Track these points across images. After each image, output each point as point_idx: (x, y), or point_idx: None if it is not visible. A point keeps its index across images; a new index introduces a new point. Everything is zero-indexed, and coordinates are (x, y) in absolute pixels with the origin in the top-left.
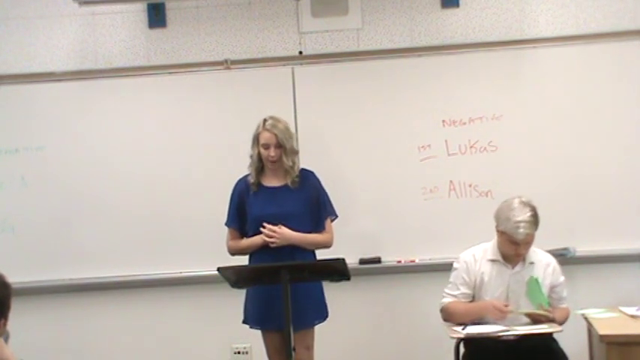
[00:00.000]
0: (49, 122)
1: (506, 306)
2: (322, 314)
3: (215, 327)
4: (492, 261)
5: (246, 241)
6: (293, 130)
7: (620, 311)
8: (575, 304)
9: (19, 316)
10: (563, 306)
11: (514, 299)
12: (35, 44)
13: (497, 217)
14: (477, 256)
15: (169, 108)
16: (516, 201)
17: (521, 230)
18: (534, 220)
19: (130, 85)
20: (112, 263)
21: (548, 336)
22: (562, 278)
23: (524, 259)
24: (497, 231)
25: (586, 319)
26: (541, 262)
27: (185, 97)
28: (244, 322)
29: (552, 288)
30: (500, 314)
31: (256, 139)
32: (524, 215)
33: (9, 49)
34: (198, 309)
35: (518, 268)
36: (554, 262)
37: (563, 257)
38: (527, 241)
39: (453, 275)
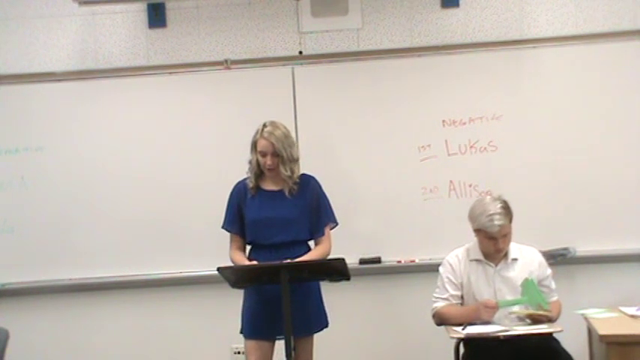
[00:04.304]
0: (48, 122)
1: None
2: (321, 323)
3: (215, 327)
4: (476, 261)
5: (245, 264)
6: (293, 135)
7: (620, 311)
8: (575, 304)
9: (19, 316)
10: (554, 299)
11: (501, 297)
12: (35, 44)
13: (471, 217)
14: (461, 257)
15: (169, 108)
16: (487, 198)
17: (495, 222)
18: (506, 211)
19: (130, 85)
20: (112, 263)
21: (549, 336)
22: (549, 271)
23: (506, 256)
24: (474, 231)
25: (586, 319)
26: (525, 257)
27: (185, 97)
28: (241, 332)
29: (540, 281)
30: (493, 310)
31: (254, 145)
32: (496, 207)
33: (9, 49)
34: (198, 309)
35: (501, 265)
36: (538, 256)
37: (563, 257)
38: (504, 234)
39: (439, 279)
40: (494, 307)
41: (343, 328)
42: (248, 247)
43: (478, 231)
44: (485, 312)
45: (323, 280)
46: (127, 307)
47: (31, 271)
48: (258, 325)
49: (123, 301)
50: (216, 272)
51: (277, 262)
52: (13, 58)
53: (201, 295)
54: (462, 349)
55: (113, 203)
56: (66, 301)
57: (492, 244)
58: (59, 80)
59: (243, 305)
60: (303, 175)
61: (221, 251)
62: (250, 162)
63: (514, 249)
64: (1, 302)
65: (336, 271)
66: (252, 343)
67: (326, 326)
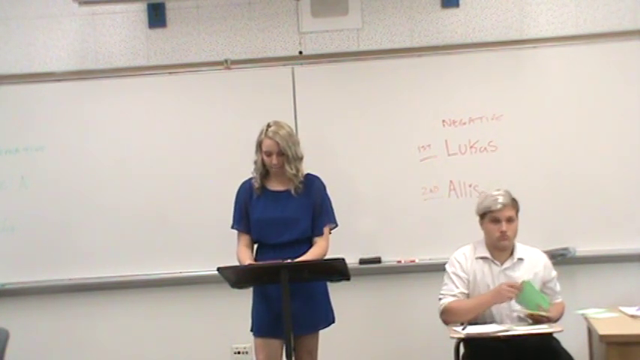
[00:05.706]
0: (49, 122)
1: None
2: (327, 319)
3: (215, 327)
4: (482, 259)
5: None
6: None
7: (620, 311)
8: (575, 304)
9: (19, 316)
10: (558, 300)
11: None
12: (35, 44)
13: (477, 208)
14: (468, 255)
15: (169, 108)
16: (492, 189)
17: (499, 200)
18: (510, 195)
19: (129, 85)
20: (112, 263)
21: (549, 336)
22: (554, 273)
23: (512, 255)
24: (480, 219)
25: (586, 319)
26: (531, 258)
27: (185, 97)
28: (251, 330)
29: (545, 283)
30: (515, 291)
31: (259, 145)
32: (500, 191)
33: (9, 49)
34: (198, 309)
35: (507, 264)
36: (544, 257)
37: (563, 257)
38: (508, 217)
39: (447, 276)
40: (518, 288)
41: (343, 328)
42: (255, 246)
43: (483, 216)
44: (507, 292)
45: (323, 280)
46: (127, 307)
47: (31, 271)
48: (266, 323)
49: (123, 301)
50: (217, 272)
51: (277, 262)
52: (13, 58)
53: (201, 295)
54: (462, 349)
55: (113, 203)
56: (66, 301)
57: (497, 229)
58: (59, 80)
59: (253, 304)
60: (308, 174)
61: (221, 251)
62: (255, 162)
63: (520, 249)
64: (1, 302)
65: (336, 271)
66: (260, 341)
67: (333, 322)
